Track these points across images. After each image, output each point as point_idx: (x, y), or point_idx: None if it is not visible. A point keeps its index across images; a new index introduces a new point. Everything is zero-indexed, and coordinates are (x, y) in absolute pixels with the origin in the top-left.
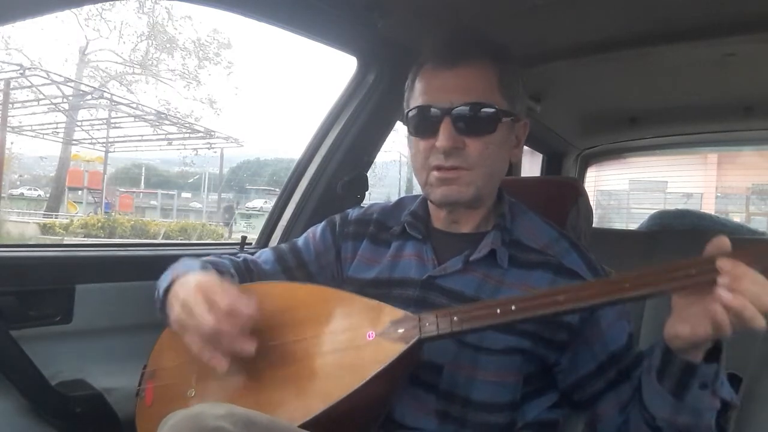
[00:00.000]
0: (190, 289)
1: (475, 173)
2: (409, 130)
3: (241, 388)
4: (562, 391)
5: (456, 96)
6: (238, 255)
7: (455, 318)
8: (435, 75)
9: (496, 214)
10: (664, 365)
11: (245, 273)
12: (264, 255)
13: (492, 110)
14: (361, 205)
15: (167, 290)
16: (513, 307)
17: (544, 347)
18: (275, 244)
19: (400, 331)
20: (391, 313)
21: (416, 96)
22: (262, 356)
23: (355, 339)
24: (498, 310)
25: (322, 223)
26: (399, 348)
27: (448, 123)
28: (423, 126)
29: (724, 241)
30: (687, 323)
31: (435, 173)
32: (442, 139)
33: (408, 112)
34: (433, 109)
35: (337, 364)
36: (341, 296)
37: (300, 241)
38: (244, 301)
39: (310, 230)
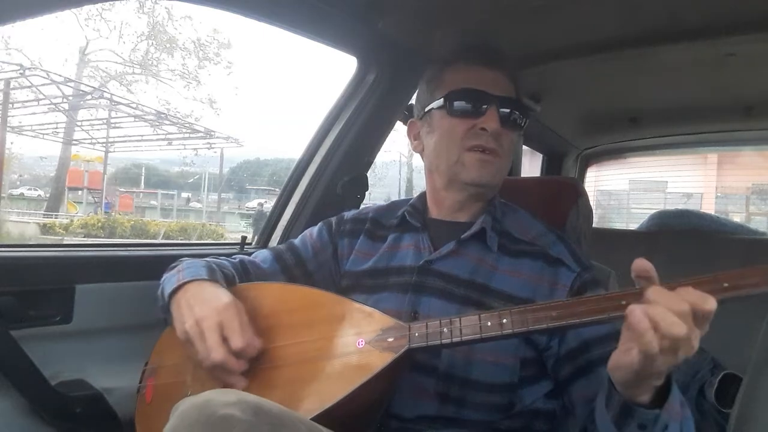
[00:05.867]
0: (210, 311)
1: (504, 163)
2: (448, 110)
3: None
4: (552, 376)
5: (499, 90)
6: (234, 257)
7: (445, 330)
8: (475, 70)
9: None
10: (608, 395)
11: (242, 274)
12: (262, 255)
13: (523, 114)
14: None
15: (174, 292)
16: (504, 321)
17: (539, 335)
18: (275, 244)
19: (390, 339)
20: (382, 320)
21: (453, 82)
22: (255, 359)
23: (345, 346)
24: (489, 323)
25: (319, 224)
26: (388, 357)
27: (496, 109)
28: (469, 106)
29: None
30: (619, 351)
31: (472, 154)
32: (493, 122)
33: (450, 92)
34: (483, 93)
35: (327, 370)
36: (334, 300)
37: (297, 241)
38: (255, 344)
39: (306, 231)
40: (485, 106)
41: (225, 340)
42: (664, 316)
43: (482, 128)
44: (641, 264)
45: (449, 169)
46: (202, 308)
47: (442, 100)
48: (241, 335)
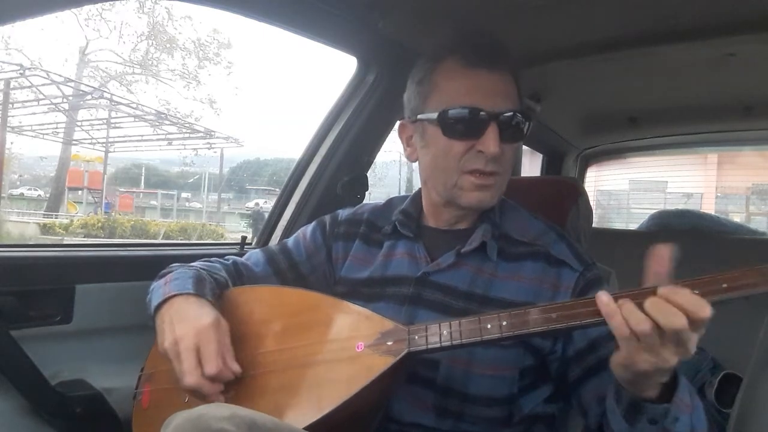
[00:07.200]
0: (189, 331)
1: (504, 178)
2: (442, 129)
3: (231, 396)
4: (555, 380)
5: (498, 101)
6: (227, 258)
7: (444, 332)
8: (471, 74)
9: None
10: (617, 392)
11: (236, 276)
12: (254, 257)
13: (525, 119)
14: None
15: (159, 306)
16: (504, 323)
17: (540, 337)
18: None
19: (389, 343)
20: (381, 323)
21: (447, 94)
22: (252, 364)
23: (344, 350)
24: (489, 326)
25: (312, 223)
26: (387, 361)
27: (495, 128)
28: (465, 127)
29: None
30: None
31: (470, 178)
32: (491, 145)
33: (448, 110)
34: (482, 113)
35: (326, 375)
36: (331, 303)
37: (290, 242)
38: (232, 368)
39: (300, 231)
40: (483, 126)
41: (202, 364)
42: (652, 338)
43: (480, 150)
44: (661, 252)
45: (446, 191)
46: (182, 327)
47: (435, 115)
48: (215, 360)
